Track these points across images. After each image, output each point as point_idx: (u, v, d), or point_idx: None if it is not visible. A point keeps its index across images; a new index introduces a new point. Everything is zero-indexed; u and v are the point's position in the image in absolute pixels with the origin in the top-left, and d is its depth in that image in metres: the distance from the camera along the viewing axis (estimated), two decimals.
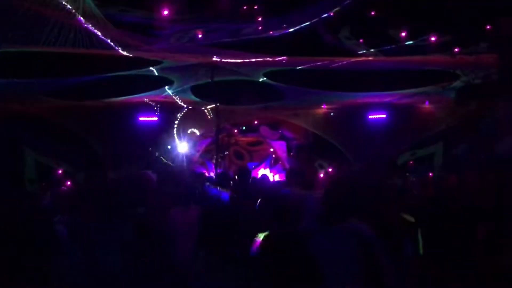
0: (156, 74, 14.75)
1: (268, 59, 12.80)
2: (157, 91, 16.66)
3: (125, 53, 11.24)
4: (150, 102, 17.87)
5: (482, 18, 10.96)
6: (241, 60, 13.25)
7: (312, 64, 13.49)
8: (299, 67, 13.89)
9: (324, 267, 3.96)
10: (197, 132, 19.05)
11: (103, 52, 11.24)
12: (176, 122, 17.99)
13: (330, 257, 3.95)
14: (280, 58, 12.87)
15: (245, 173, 8.61)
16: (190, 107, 17.93)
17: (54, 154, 16.93)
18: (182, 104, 17.66)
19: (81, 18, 8.96)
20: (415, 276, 4.49)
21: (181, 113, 17.95)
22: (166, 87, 16.32)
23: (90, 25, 9.39)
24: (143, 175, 7.01)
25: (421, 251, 4.56)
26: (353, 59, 13.27)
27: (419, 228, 4.57)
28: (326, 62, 13.27)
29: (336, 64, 13.59)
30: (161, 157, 17.21)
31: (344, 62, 13.38)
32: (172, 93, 16.69)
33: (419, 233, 4.56)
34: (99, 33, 9.82)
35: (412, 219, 4.64)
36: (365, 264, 3.84)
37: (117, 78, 14.85)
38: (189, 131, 18.72)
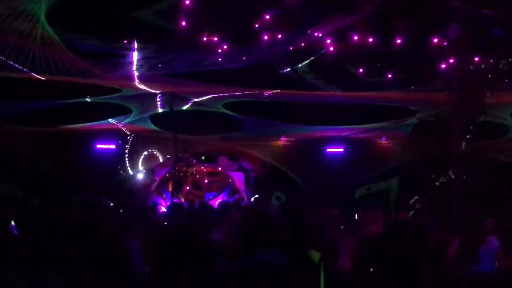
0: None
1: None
2: (116, 119, 16.51)
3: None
4: (108, 130, 17.62)
5: (436, 57, 11.29)
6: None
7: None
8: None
9: None
10: (159, 156, 18.79)
11: (60, 79, 11.14)
12: (127, 149, 17.80)
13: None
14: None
15: None
16: (134, 135, 17.93)
17: (8, 180, 16.54)
18: (128, 133, 17.61)
19: (39, 44, 8.89)
20: None
21: (129, 141, 17.83)
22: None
23: (48, 51, 9.33)
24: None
25: None
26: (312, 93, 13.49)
27: (322, 264, 4.69)
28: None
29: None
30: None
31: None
32: (131, 121, 16.56)
33: (321, 269, 4.66)
34: (56, 59, 9.76)
35: (317, 255, 4.72)
36: None
37: (76, 105, 14.67)
38: (146, 153, 18.45)
